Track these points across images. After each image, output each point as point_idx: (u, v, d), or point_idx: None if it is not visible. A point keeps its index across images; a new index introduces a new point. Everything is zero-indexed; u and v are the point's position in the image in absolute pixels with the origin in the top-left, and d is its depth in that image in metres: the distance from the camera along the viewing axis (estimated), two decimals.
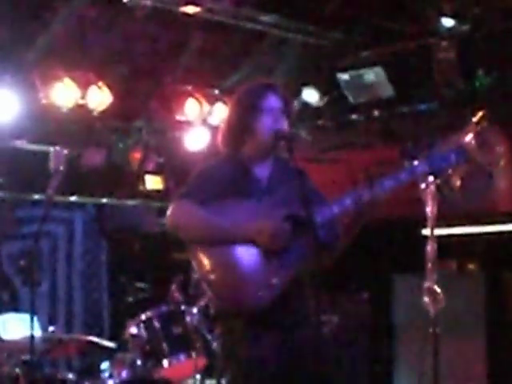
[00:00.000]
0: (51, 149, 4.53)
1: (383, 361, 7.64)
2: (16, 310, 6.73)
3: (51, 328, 5.65)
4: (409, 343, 7.25)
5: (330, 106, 7.72)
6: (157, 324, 5.57)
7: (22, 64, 6.53)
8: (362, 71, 7.25)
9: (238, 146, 3.86)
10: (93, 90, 6.80)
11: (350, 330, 7.45)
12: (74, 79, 6.69)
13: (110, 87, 6.88)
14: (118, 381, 5.44)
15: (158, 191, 8.30)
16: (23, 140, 7.22)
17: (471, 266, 7.54)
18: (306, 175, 3.83)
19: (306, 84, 7.62)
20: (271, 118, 3.80)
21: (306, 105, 7.69)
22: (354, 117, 7.69)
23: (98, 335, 6.25)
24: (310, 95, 7.64)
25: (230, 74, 7.67)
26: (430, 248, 3.98)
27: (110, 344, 5.73)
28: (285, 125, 3.81)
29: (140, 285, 7.96)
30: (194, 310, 5.61)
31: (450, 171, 3.87)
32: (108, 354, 5.72)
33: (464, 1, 6.59)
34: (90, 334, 6.04)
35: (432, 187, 3.94)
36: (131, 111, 7.61)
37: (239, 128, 3.85)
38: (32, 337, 4.49)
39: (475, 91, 6.76)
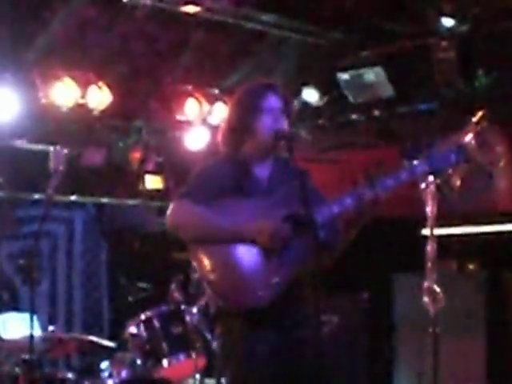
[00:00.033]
0: (51, 148, 4.53)
1: (383, 361, 7.64)
2: (16, 309, 6.73)
3: (51, 327, 5.64)
4: (409, 343, 7.25)
5: (330, 106, 7.72)
6: (156, 324, 5.57)
7: (22, 63, 6.53)
8: (361, 71, 7.25)
9: (238, 145, 3.86)
10: (93, 90, 6.80)
11: (350, 329, 7.44)
12: (73, 79, 6.69)
13: (109, 87, 6.88)
14: (117, 380, 5.44)
15: (157, 191, 8.30)
16: (23, 139, 7.22)
17: (471, 266, 7.53)
18: (306, 175, 3.83)
19: (305, 84, 7.62)
20: (271, 118, 3.80)
21: (305, 104, 7.69)
22: (353, 117, 7.69)
23: (98, 335, 6.25)
24: (310, 95, 7.64)
25: (229, 73, 7.67)
26: (430, 248, 3.99)
27: (110, 343, 5.73)
28: (285, 124, 3.81)
29: (140, 284, 7.94)
30: (194, 310, 5.61)
31: (449, 171, 3.87)
32: (108, 353, 5.72)
33: (464, 1, 6.59)
34: (90, 334, 6.04)
35: (432, 187, 3.95)
36: (131, 111, 7.61)
37: (239, 128, 3.85)
38: (32, 336, 4.50)
39: (475, 91, 6.76)
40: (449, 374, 5.42)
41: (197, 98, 7.53)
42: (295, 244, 3.65)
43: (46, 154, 4.61)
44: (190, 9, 6.53)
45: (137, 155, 8.07)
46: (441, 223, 4.01)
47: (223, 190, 3.73)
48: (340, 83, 7.41)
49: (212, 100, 7.62)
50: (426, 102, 7.21)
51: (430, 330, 3.93)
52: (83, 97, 6.76)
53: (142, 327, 5.56)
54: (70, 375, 5.41)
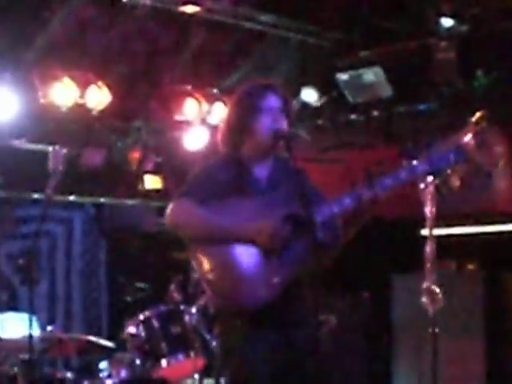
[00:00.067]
0: (50, 148, 4.53)
1: (382, 360, 7.65)
2: (15, 309, 6.72)
3: (50, 327, 5.64)
4: (408, 343, 7.25)
5: (329, 106, 7.72)
6: (155, 324, 5.57)
7: (22, 63, 6.53)
8: (361, 71, 7.26)
9: (237, 145, 3.86)
10: (92, 90, 6.80)
11: (349, 329, 7.45)
12: (73, 79, 6.68)
13: (109, 87, 6.88)
14: (116, 380, 5.44)
15: (156, 191, 8.30)
16: (22, 139, 7.21)
17: (470, 266, 7.54)
18: (305, 175, 3.83)
19: (305, 84, 7.62)
20: (270, 118, 3.80)
21: (305, 105, 7.69)
22: (353, 117, 7.69)
23: (97, 335, 6.25)
24: (309, 95, 7.64)
25: (229, 73, 7.67)
26: (429, 248, 3.99)
27: (109, 343, 5.73)
28: (284, 124, 3.81)
29: (139, 284, 7.95)
30: (193, 310, 5.61)
31: (449, 171, 3.86)
32: (107, 353, 5.72)
33: (463, 1, 6.60)
34: (89, 334, 6.04)
35: (431, 187, 3.94)
36: (130, 111, 7.61)
37: (239, 128, 3.85)
38: (31, 336, 4.49)
39: (474, 91, 6.76)
40: (448, 374, 5.41)
41: (196, 98, 7.53)
42: (295, 244, 3.65)
43: (45, 153, 4.60)
44: (190, 9, 6.53)
45: (136, 155, 8.07)
46: (440, 223, 4.01)
47: (223, 190, 3.72)
48: (339, 83, 7.41)
49: (211, 100, 7.62)
50: (425, 102, 7.22)
51: (429, 329, 3.93)
52: (82, 97, 6.76)
53: (140, 327, 5.56)
54: (68, 375, 5.41)
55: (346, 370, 7.25)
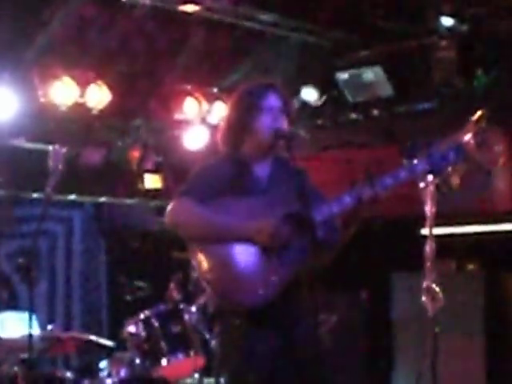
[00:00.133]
0: (50, 147, 4.52)
1: (382, 359, 7.65)
2: (14, 308, 6.73)
3: (50, 326, 5.64)
4: (407, 342, 7.25)
5: (329, 105, 7.71)
6: (155, 323, 5.57)
7: (21, 62, 6.52)
8: (361, 70, 7.25)
9: (237, 145, 3.86)
10: (92, 89, 6.79)
11: (349, 328, 7.45)
12: (72, 78, 6.68)
13: (109, 86, 6.87)
14: (116, 379, 5.44)
15: (156, 190, 8.30)
16: (22, 138, 7.21)
17: (470, 266, 7.54)
18: (305, 174, 3.84)
19: (304, 83, 7.62)
20: (271, 117, 3.81)
21: (304, 104, 7.68)
22: (353, 116, 7.68)
23: (97, 334, 6.23)
24: (309, 94, 7.63)
25: (229, 72, 7.66)
26: (429, 247, 3.98)
27: (109, 343, 5.73)
28: (284, 124, 3.81)
29: (139, 283, 7.93)
30: (193, 309, 5.61)
31: (448, 170, 3.86)
32: (106, 352, 5.72)
33: (463, 0, 6.59)
34: (89, 333, 6.03)
35: (431, 186, 3.94)
36: (130, 110, 7.60)
37: (239, 127, 3.85)
38: (30, 335, 4.49)
39: (474, 91, 6.76)
40: (448, 374, 5.41)
41: (196, 98, 7.52)
42: (294, 243, 3.65)
43: (44, 153, 4.59)
44: (190, 8, 6.52)
45: (136, 154, 8.07)
46: (440, 222, 4.01)
47: (223, 189, 3.73)
48: (339, 82, 7.41)
49: (211, 99, 7.61)
50: (425, 101, 7.21)
51: (429, 329, 3.93)
52: (82, 96, 6.75)
53: (140, 326, 5.56)
54: (68, 374, 5.41)
55: (346, 369, 7.25)
